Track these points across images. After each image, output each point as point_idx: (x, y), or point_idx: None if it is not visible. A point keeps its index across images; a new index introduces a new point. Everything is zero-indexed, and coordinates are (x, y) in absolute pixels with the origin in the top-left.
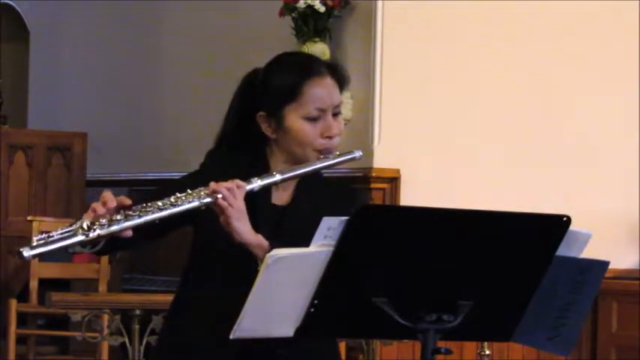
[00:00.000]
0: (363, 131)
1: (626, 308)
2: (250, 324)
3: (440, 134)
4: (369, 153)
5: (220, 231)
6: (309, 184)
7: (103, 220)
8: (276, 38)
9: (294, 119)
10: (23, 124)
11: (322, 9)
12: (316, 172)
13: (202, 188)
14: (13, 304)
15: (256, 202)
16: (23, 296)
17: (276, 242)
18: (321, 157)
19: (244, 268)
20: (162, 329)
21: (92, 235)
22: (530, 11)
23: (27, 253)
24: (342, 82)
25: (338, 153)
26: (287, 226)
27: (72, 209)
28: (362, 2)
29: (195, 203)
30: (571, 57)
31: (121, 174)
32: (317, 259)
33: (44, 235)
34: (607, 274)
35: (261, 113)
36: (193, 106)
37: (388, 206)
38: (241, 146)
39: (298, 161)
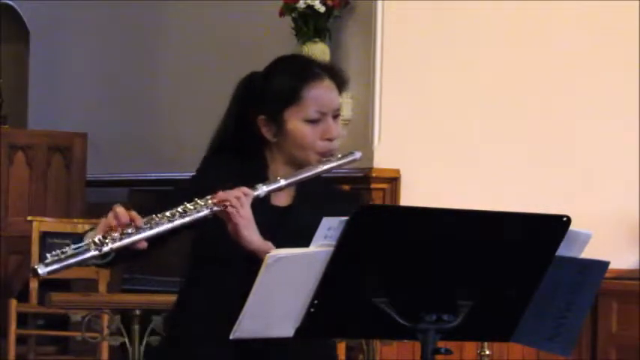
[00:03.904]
0: (363, 131)
1: (626, 308)
2: (250, 324)
3: (440, 134)
4: (369, 153)
5: (225, 237)
6: (309, 185)
7: (115, 234)
8: (276, 38)
9: (295, 122)
10: (23, 124)
11: (322, 9)
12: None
13: (209, 197)
14: (13, 304)
15: (254, 203)
16: (23, 296)
17: (282, 245)
18: (323, 159)
19: (249, 271)
20: (164, 329)
21: (105, 249)
22: (531, 12)
23: (42, 270)
24: (340, 85)
25: (339, 155)
26: (290, 227)
27: (72, 209)
28: (362, 2)
29: (204, 213)
30: (571, 57)
31: (121, 174)
32: (317, 259)
33: (58, 252)
34: (607, 274)
35: (261, 117)
36: (193, 106)
37: (388, 206)
38: (240, 151)
39: (299, 164)
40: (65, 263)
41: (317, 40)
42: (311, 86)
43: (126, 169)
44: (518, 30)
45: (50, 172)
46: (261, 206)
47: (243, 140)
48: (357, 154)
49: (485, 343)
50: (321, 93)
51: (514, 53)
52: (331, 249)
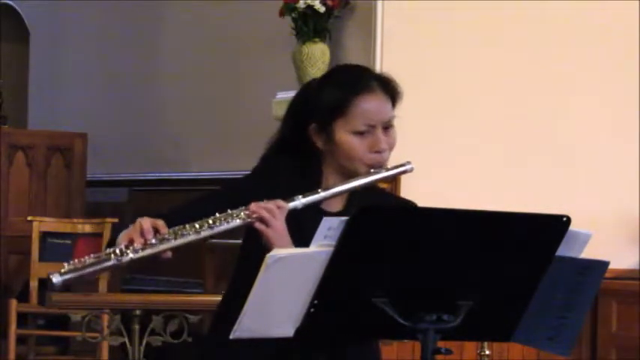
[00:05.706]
0: None
1: (626, 308)
2: (250, 324)
3: (440, 134)
4: None
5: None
6: (363, 192)
7: (137, 245)
8: (276, 38)
9: (343, 134)
10: (23, 124)
11: (322, 9)
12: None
13: (243, 208)
14: (13, 304)
15: (304, 208)
16: (23, 296)
17: None
18: (371, 171)
19: None
20: (211, 325)
21: (124, 259)
22: (530, 12)
23: (56, 279)
24: (394, 96)
25: (389, 167)
26: None
27: (72, 209)
28: (362, 2)
29: (233, 225)
30: (570, 57)
31: (121, 174)
32: (317, 259)
33: (75, 261)
34: (607, 274)
35: (313, 126)
36: (193, 106)
37: (388, 206)
38: (297, 156)
39: (348, 174)
40: (81, 272)
41: (317, 40)
42: (360, 99)
43: (126, 169)
44: (519, 30)
45: (50, 172)
46: (310, 211)
47: (300, 146)
48: (408, 166)
49: (485, 343)
50: (369, 106)
51: (514, 53)
52: (331, 249)
